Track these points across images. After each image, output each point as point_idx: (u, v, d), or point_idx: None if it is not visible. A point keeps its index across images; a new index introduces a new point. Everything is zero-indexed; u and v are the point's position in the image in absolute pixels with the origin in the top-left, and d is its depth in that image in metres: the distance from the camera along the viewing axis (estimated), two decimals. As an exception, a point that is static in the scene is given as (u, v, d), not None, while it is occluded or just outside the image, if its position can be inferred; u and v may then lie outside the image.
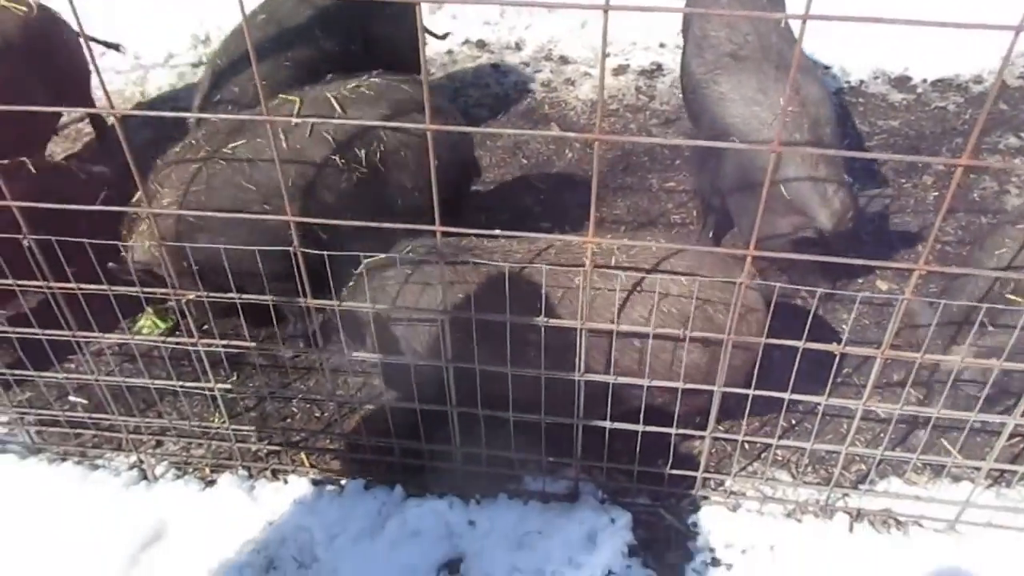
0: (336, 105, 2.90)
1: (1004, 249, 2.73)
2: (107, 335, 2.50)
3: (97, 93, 4.71)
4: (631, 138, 2.03)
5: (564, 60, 5.10)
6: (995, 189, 4.00)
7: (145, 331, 3.26)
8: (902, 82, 4.79)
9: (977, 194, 3.98)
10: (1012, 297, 2.58)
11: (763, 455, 2.88)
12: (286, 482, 2.84)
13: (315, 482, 2.83)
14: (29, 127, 3.70)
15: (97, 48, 5.34)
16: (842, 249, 3.01)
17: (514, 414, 2.54)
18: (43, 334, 2.53)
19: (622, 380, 2.37)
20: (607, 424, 2.52)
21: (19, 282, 2.40)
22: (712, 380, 2.30)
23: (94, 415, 2.87)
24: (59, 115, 4.24)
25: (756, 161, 3.06)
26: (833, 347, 2.16)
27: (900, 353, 2.18)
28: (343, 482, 2.83)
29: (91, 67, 1.84)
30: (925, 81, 4.77)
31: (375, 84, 3.04)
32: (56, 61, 3.73)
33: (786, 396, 2.34)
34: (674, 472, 2.67)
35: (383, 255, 2.51)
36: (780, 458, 2.90)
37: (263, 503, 2.78)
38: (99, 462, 2.94)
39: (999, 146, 4.27)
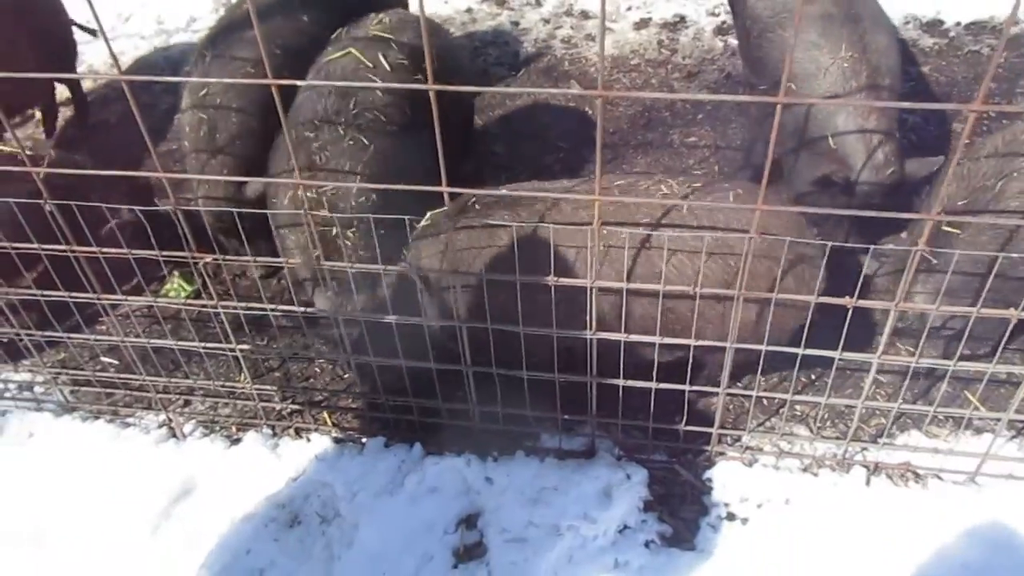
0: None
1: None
2: (130, 298, 2.56)
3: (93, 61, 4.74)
4: (635, 93, 2.00)
5: (584, 15, 5.01)
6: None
7: (172, 294, 3.34)
8: (934, 26, 4.64)
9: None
10: (948, 229, 2.52)
11: (780, 410, 2.88)
12: (309, 440, 2.91)
13: (337, 440, 2.90)
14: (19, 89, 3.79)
15: (121, 14, 5.40)
16: (884, 205, 2.97)
17: (528, 372, 2.57)
18: (69, 297, 2.60)
19: (634, 338, 2.37)
20: (620, 382, 2.53)
21: (44, 247, 2.46)
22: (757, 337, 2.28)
23: (124, 375, 2.96)
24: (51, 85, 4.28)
25: (809, 112, 3.04)
26: (845, 300, 2.13)
27: (913, 306, 2.15)
28: (364, 440, 2.90)
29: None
30: (959, 24, 4.62)
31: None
32: (46, 24, 3.80)
33: (799, 351, 2.32)
34: (689, 428, 2.68)
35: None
36: (799, 413, 2.89)
37: (287, 460, 2.86)
38: (130, 420, 3.04)
39: (1034, 92, 4.13)
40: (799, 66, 3.11)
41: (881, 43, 3.12)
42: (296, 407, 3.00)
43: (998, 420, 2.49)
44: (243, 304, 2.57)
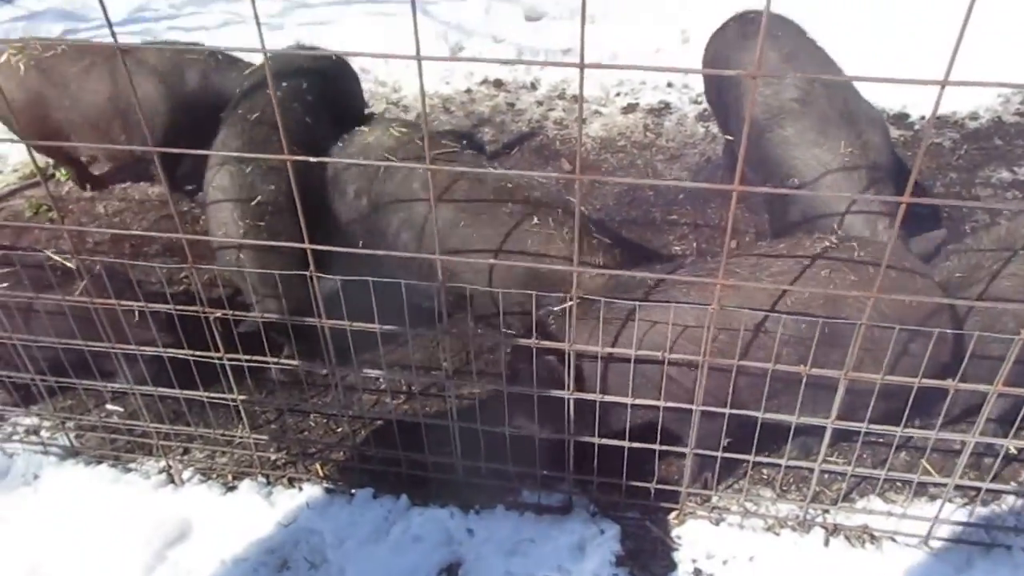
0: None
1: None
2: (143, 348, 2.75)
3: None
4: (609, 178, 2.26)
5: (575, 99, 5.36)
6: (986, 220, 4.15)
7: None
8: (900, 119, 4.98)
9: (968, 226, 4.14)
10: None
11: (746, 473, 3.05)
12: (301, 489, 3.07)
13: (328, 490, 3.05)
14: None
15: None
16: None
17: (510, 429, 2.75)
18: (85, 346, 2.79)
19: (608, 398, 2.57)
20: (595, 440, 2.72)
21: (67, 297, 2.68)
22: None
23: (128, 422, 3.12)
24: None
25: (817, 204, 3.34)
26: (800, 368, 2.34)
27: (861, 375, 2.36)
28: (353, 491, 3.05)
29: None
30: (922, 118, 4.96)
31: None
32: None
33: (759, 415, 2.52)
34: (660, 487, 2.85)
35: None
36: (765, 476, 3.06)
37: (279, 508, 3.00)
38: (131, 466, 3.20)
39: (992, 180, 4.44)
40: (803, 163, 3.40)
41: (877, 142, 3.42)
42: (290, 458, 3.16)
43: (944, 485, 2.67)
44: (246, 357, 2.75)
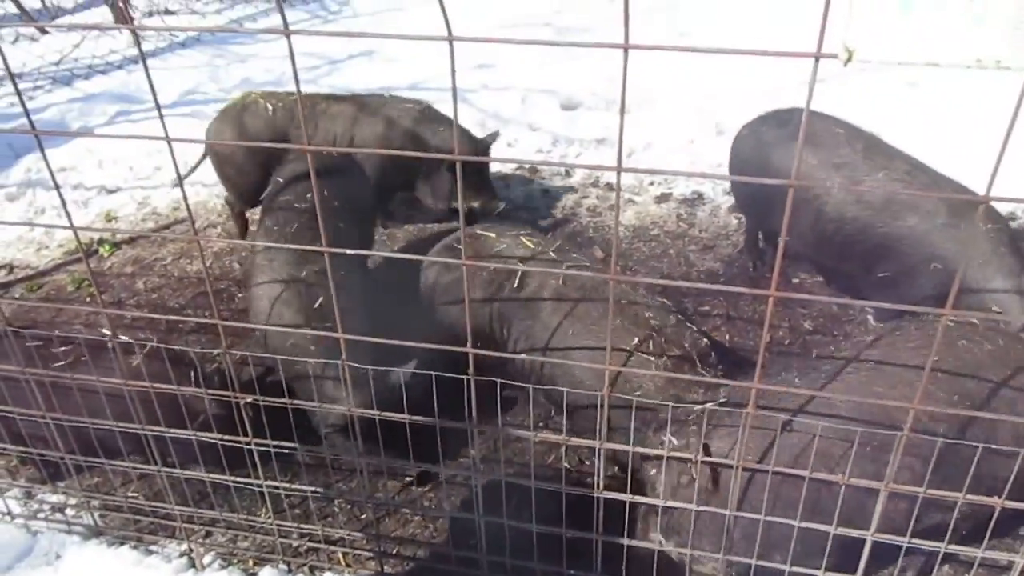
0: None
1: None
2: (172, 431, 2.76)
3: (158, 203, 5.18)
4: (641, 279, 2.26)
5: (609, 187, 5.43)
6: None
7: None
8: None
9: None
10: None
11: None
12: (322, 578, 3.01)
13: (349, 581, 2.99)
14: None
15: (187, 162, 5.94)
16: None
17: (538, 526, 2.69)
18: (116, 427, 2.81)
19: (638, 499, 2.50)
20: (625, 540, 2.64)
21: (103, 379, 2.71)
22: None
23: (153, 503, 3.11)
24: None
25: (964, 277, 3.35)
26: (993, 500, 2.27)
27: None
28: (375, 582, 2.99)
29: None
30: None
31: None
32: None
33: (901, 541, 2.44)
34: (691, 592, 2.74)
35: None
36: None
37: (299, 598, 2.95)
38: (153, 548, 3.17)
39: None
40: (941, 245, 3.45)
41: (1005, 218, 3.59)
42: (312, 544, 3.10)
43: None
44: (274, 443, 2.75)
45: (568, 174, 5.60)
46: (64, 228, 2.41)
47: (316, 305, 3.39)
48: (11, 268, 4.98)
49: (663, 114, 6.07)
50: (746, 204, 4.53)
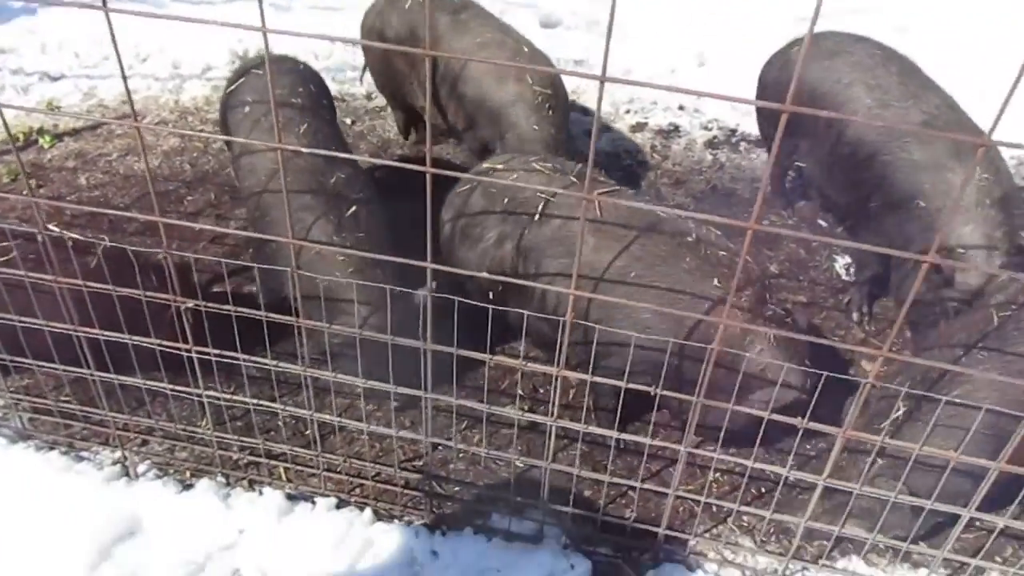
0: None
1: None
2: (106, 333, 2.60)
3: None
4: (626, 202, 2.14)
5: (585, 112, 5.24)
6: None
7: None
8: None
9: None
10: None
11: (727, 519, 2.93)
12: (261, 493, 2.91)
13: (289, 496, 2.90)
14: None
15: (139, 54, 5.58)
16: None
17: (489, 451, 2.62)
18: (46, 326, 2.63)
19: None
20: (575, 471, 2.59)
21: (29, 274, 2.52)
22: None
23: (85, 408, 2.96)
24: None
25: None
26: (797, 421, 2.22)
27: (860, 434, 2.24)
28: (316, 500, 2.90)
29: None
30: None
31: None
32: None
33: (749, 464, 2.40)
34: (637, 526, 2.72)
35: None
36: (746, 524, 2.94)
37: (237, 511, 2.85)
38: (84, 454, 3.03)
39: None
40: (932, 187, 3.32)
41: (1007, 170, 3.38)
42: (253, 458, 3.00)
43: (933, 556, 2.55)
44: (216, 351, 2.61)
45: (542, 96, 5.38)
46: (-13, 104, 2.18)
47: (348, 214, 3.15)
48: (-60, 153, 4.66)
49: (644, 42, 5.85)
50: (770, 129, 4.34)
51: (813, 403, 2.30)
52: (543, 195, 2.95)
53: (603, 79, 1.76)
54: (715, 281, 2.75)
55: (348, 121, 5.07)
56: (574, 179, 3.00)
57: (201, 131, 4.82)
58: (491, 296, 2.99)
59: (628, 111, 5.28)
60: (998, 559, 2.85)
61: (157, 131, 4.84)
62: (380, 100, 5.33)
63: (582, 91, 5.44)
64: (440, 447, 3.08)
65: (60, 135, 4.81)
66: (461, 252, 3.19)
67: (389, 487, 2.92)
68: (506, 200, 3.03)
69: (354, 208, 3.15)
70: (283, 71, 3.65)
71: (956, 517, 2.35)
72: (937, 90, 3.60)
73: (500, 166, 3.18)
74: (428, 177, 1.97)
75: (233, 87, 3.63)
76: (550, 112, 3.65)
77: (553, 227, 2.94)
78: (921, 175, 3.38)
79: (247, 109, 3.47)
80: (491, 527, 2.85)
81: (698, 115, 5.26)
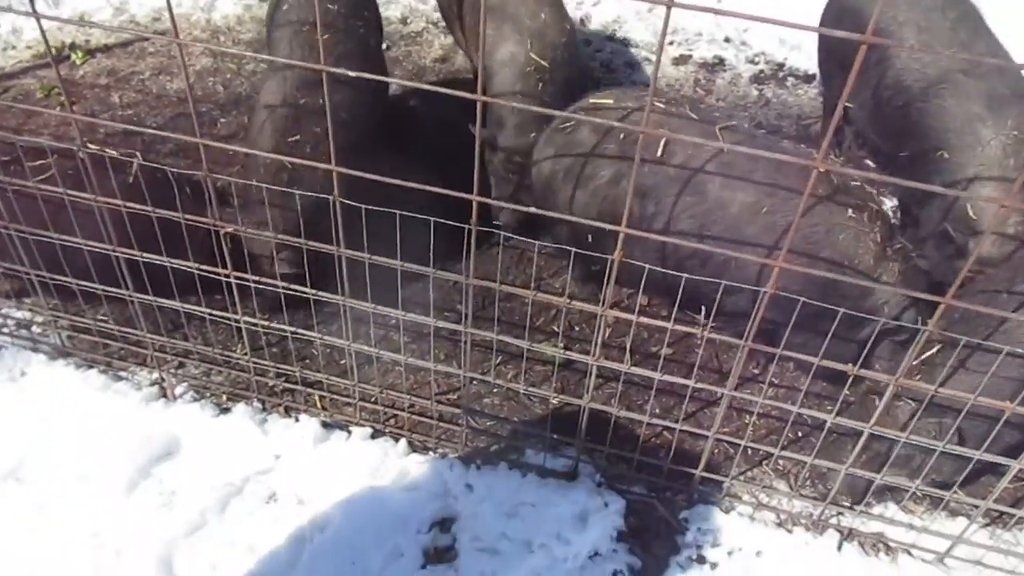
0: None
1: None
2: (145, 255, 2.57)
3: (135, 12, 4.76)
4: (678, 135, 2.03)
5: (626, 43, 5.05)
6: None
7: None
8: None
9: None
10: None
11: (764, 463, 2.91)
12: (297, 420, 2.93)
13: (325, 424, 2.92)
14: None
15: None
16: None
17: (526, 388, 2.60)
18: (85, 245, 2.61)
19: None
20: (614, 411, 2.57)
21: (69, 192, 2.49)
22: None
23: (123, 328, 2.96)
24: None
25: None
26: (848, 367, 2.16)
27: (912, 383, 2.18)
28: (351, 428, 2.91)
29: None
30: None
31: None
32: None
33: (793, 409, 2.36)
34: (674, 467, 2.70)
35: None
36: (781, 468, 2.92)
37: (273, 437, 2.87)
38: (122, 374, 3.06)
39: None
40: (956, 136, 3.15)
41: None
42: (289, 385, 3.01)
43: (975, 507, 2.52)
44: (254, 278, 2.58)
45: (583, 23, 5.19)
46: (28, 15, 2.10)
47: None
48: (-26, 66, 4.59)
49: (691, -32, 5.60)
50: (832, 65, 4.14)
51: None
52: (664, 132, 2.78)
53: (670, 4, 1.66)
54: (850, 212, 2.66)
55: (384, 46, 4.92)
56: (692, 115, 2.88)
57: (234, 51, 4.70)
58: (589, 238, 2.89)
59: (672, 42, 5.07)
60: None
61: (196, 48, 4.74)
62: (416, 25, 5.17)
63: (623, 20, 5.23)
64: (475, 381, 3.06)
65: (92, 51, 4.72)
66: (565, 191, 3.05)
67: (424, 419, 2.92)
68: (622, 137, 2.90)
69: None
70: None
71: (994, 465, 2.31)
72: (990, 41, 3.39)
73: (609, 101, 3.03)
74: (479, 106, 1.90)
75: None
76: (538, 85, 3.47)
77: (676, 165, 2.81)
78: (949, 124, 3.21)
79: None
80: (525, 463, 2.85)
81: (744, 48, 5.05)
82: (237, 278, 2.55)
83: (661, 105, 2.90)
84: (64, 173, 2.54)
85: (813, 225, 2.66)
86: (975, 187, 3.04)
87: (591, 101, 3.07)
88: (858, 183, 2.76)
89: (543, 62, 3.41)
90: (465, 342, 2.52)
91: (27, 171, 2.57)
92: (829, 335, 2.17)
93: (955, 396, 2.18)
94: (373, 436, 2.90)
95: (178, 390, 3.01)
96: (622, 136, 2.89)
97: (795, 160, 1.90)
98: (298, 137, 3.06)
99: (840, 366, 2.18)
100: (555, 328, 3.31)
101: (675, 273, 2.28)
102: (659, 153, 2.78)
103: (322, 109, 2.97)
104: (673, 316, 2.30)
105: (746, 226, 2.71)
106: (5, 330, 3.13)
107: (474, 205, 2.09)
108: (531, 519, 2.67)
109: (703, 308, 2.46)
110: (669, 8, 1.67)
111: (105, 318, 3.08)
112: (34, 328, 3.18)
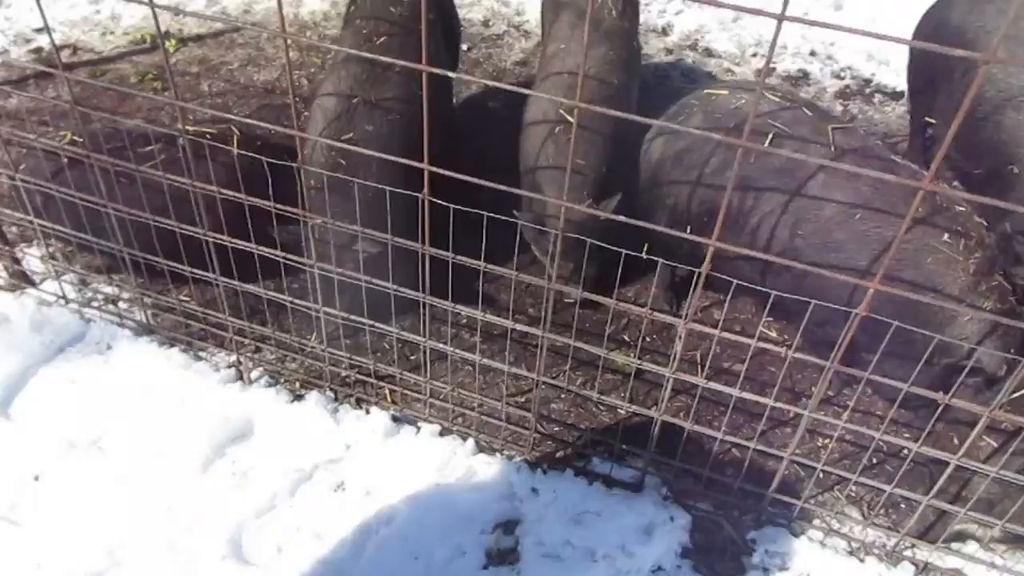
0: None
1: None
2: (235, 240, 2.64)
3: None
4: (775, 149, 1.99)
5: (708, 53, 4.99)
6: None
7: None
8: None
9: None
10: None
11: (836, 487, 2.84)
12: (368, 412, 2.97)
13: (395, 419, 2.94)
14: None
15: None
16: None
17: (599, 396, 2.58)
18: (178, 227, 2.69)
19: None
20: (688, 425, 2.53)
21: (166, 175, 2.56)
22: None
23: (206, 310, 3.04)
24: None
25: None
26: (938, 396, 2.10)
27: (1011, 417, 2.10)
28: (420, 425, 2.94)
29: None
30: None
31: None
32: None
33: (876, 435, 2.29)
34: (745, 486, 2.65)
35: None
36: (853, 493, 2.84)
37: (344, 426, 2.91)
38: (202, 354, 3.14)
39: None
40: None
41: None
42: (362, 377, 3.05)
43: (1064, 550, 2.41)
44: (337, 270, 2.62)
45: (665, 32, 5.15)
46: (140, 2, 2.18)
47: None
48: (75, 49, 4.78)
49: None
50: (923, 82, 4.02)
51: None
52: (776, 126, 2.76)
53: (781, 17, 1.63)
54: (945, 237, 2.59)
55: (464, 47, 4.96)
56: (806, 111, 2.84)
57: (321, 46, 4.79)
58: (688, 229, 2.86)
59: (755, 54, 5.00)
60: None
61: (280, 42, 4.85)
62: (497, 27, 5.20)
63: (706, 30, 5.18)
64: (545, 385, 3.06)
65: (184, 39, 4.87)
66: (674, 176, 3.04)
67: (492, 420, 2.92)
68: (732, 126, 2.87)
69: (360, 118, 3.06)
70: None
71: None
72: None
73: (723, 91, 3.03)
74: (575, 113, 1.89)
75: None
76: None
77: (781, 158, 2.75)
78: (1022, 139, 3.06)
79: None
80: (592, 471, 2.84)
81: (830, 63, 4.95)
82: (321, 269, 2.59)
83: (775, 99, 2.86)
84: (172, 158, 2.62)
85: (903, 243, 2.58)
86: None
87: (706, 92, 3.07)
88: (965, 208, 2.66)
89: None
90: (541, 346, 2.51)
91: (132, 156, 2.65)
92: (922, 361, 2.11)
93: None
94: (441, 433, 2.92)
95: (254, 374, 3.08)
96: (732, 125, 2.86)
97: (901, 180, 1.84)
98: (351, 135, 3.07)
99: (931, 394, 2.11)
100: (625, 337, 3.29)
101: (763, 289, 2.24)
102: (766, 144, 2.70)
103: (376, 105, 3.04)
104: (757, 334, 2.26)
105: (836, 229, 2.65)
106: (95, 304, 3.25)
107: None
108: (596, 528, 2.65)
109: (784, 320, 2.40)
110: (780, 22, 1.64)
111: (188, 299, 3.16)
112: (121, 304, 3.29)
